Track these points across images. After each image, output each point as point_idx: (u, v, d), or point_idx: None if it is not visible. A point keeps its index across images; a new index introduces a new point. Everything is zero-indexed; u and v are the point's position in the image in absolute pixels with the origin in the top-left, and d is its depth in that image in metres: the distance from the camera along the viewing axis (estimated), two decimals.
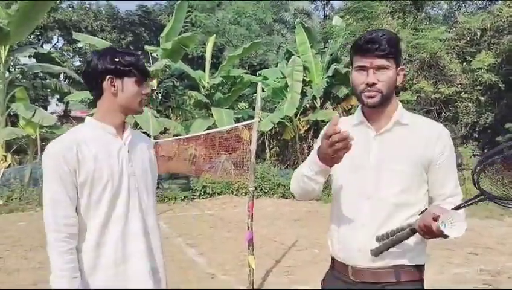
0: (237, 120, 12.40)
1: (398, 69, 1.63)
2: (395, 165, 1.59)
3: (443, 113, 11.52)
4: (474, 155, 11.02)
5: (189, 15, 18.51)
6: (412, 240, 1.54)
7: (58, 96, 18.83)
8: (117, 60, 1.68)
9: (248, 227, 3.98)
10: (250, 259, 3.88)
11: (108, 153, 1.68)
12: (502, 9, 10.28)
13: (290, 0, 23.52)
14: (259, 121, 4.27)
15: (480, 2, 14.60)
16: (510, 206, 1.42)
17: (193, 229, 7.61)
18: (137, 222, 1.71)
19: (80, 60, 23.36)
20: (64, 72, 14.01)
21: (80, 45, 21.48)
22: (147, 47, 14.26)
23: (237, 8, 20.84)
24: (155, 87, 13.15)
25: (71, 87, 13.82)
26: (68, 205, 1.61)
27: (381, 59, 1.56)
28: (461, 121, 11.40)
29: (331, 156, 1.41)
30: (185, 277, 4.85)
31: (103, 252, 1.65)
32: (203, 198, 10.96)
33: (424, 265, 1.66)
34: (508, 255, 5.80)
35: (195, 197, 10.93)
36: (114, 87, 1.68)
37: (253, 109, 4.15)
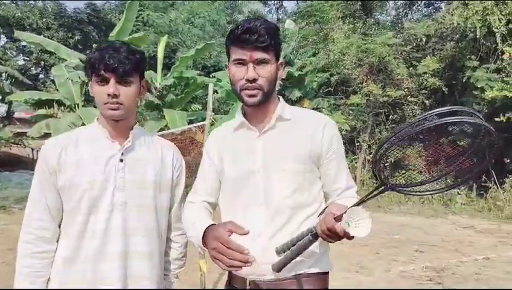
0: (191, 122, 12.25)
1: (278, 63, 1.51)
2: (284, 165, 1.48)
3: (391, 116, 11.91)
4: (420, 156, 11.47)
5: (141, 14, 18.10)
6: (312, 246, 1.39)
7: (0, 97, 17.86)
8: (89, 57, 1.51)
9: None
10: (202, 263, 3.82)
11: (96, 158, 1.50)
12: (445, 17, 10.76)
13: (244, 0, 23.57)
14: (212, 123, 4.21)
15: (425, 9, 15.28)
16: (413, 193, 1.32)
17: None
18: (117, 243, 1.49)
19: (24, 59, 22.28)
20: (6, 72, 13.31)
21: (23, 43, 20.50)
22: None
23: (191, 8, 20.63)
24: None
25: (14, 87, 13.16)
26: (43, 207, 1.49)
27: (261, 52, 1.43)
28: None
29: (215, 258, 1.30)
30: None
31: (73, 268, 1.48)
32: None
33: (328, 273, 1.55)
34: (452, 252, 6.07)
35: None
36: (91, 89, 1.53)
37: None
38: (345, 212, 1.25)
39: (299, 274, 1.47)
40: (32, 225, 1.49)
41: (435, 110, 1.20)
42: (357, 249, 5.51)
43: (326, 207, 1.46)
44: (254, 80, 1.44)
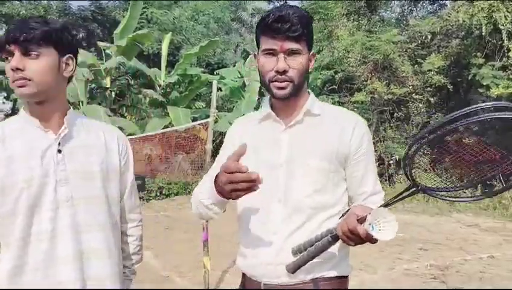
0: (194, 119, 12.27)
1: (310, 54, 1.43)
2: (309, 161, 1.39)
3: (395, 113, 11.86)
4: (425, 154, 11.43)
5: (145, 11, 18.09)
6: (332, 248, 1.32)
7: (5, 94, 17.96)
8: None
9: (203, 228, 3.91)
10: (206, 260, 3.83)
11: (30, 152, 1.30)
12: (451, 14, 10.70)
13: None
14: (215, 121, 4.22)
15: (430, 6, 15.18)
16: (447, 198, 1.22)
17: (148, 231, 7.41)
18: (67, 244, 1.31)
19: None
20: None
21: None
22: (100, 43, 13.84)
23: (195, 5, 20.62)
24: (108, 85, 12.77)
25: None
26: None
27: (292, 42, 1.34)
28: (412, 121, 11.78)
29: (228, 192, 1.21)
30: (137, 280, 4.71)
31: (21, 280, 1.29)
32: (158, 199, 10.74)
33: (347, 277, 1.47)
34: (456, 250, 6.04)
35: (150, 198, 10.69)
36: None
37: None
38: (369, 214, 1.18)
39: (317, 278, 1.38)
40: None
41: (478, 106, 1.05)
42: (360, 247, 5.45)
43: (349, 209, 1.38)
44: (284, 72, 1.36)
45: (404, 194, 1.21)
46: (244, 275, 1.51)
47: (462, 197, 1.20)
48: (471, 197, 1.20)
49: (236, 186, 1.18)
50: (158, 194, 10.80)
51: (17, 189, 1.27)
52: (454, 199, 1.21)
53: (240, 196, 1.22)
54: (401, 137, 11.76)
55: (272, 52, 1.36)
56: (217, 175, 1.28)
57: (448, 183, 1.22)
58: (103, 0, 24.45)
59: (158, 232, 7.38)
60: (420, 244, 6.24)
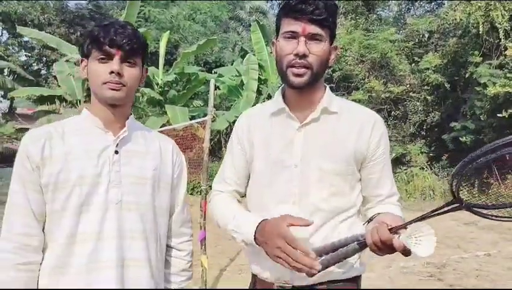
0: (192, 118, 12.23)
1: (332, 46, 1.34)
2: (325, 164, 1.31)
3: (393, 112, 11.89)
4: (422, 152, 11.46)
5: (143, 10, 18.07)
6: None
7: (2, 93, 17.90)
8: (90, 32, 1.32)
9: (201, 226, 3.91)
10: (203, 259, 3.82)
11: (87, 151, 1.30)
12: (448, 13, 10.72)
13: None
14: (213, 120, 4.21)
15: (428, 5, 15.19)
16: (493, 217, 1.12)
17: None
18: (111, 249, 1.28)
19: (26, 55, 22.31)
20: (8, 67, 13.32)
21: (25, 39, 20.51)
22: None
23: (192, 4, 20.59)
24: None
25: (16, 83, 13.17)
26: (27, 210, 1.26)
27: (316, 26, 1.26)
28: (410, 119, 11.81)
29: (273, 255, 1.20)
30: None
31: (63, 279, 1.26)
32: None
33: (360, 276, 1.43)
34: (453, 248, 6.07)
35: None
36: (85, 70, 1.36)
37: None
38: (403, 226, 1.12)
39: (331, 280, 1.34)
40: (15, 231, 1.25)
41: None
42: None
43: (374, 215, 1.33)
44: (304, 56, 1.27)
45: (444, 209, 1.13)
46: (254, 275, 1.45)
47: (509, 216, 1.11)
48: None
49: (287, 258, 1.16)
50: None
51: (70, 186, 1.26)
52: (501, 218, 1.12)
53: (278, 262, 1.20)
54: (399, 135, 11.79)
55: (293, 35, 1.28)
56: (263, 222, 1.26)
57: (498, 200, 1.14)
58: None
59: None
60: None
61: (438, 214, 1.13)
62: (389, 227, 1.14)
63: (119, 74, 1.29)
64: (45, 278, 1.27)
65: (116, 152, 1.33)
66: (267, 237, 1.22)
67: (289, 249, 1.16)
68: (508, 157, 0.99)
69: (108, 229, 1.28)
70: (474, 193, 1.14)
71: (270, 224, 1.23)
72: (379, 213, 1.33)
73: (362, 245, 1.20)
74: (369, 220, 1.31)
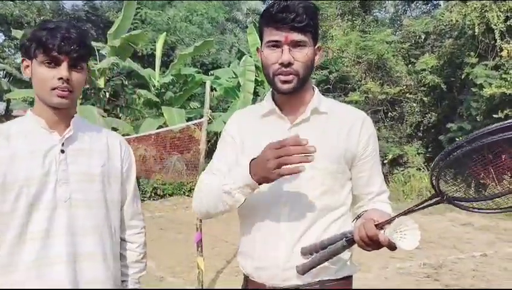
0: (189, 120, 12.23)
1: (316, 47, 1.36)
2: (316, 163, 1.27)
3: (390, 113, 11.92)
4: (418, 153, 11.48)
5: (139, 12, 18.08)
6: None
7: None
8: (29, 36, 1.32)
9: (197, 228, 3.91)
10: (199, 260, 3.83)
11: (33, 151, 1.31)
12: (444, 14, 10.76)
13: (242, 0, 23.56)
14: (210, 121, 4.21)
15: (424, 6, 15.25)
16: (475, 209, 1.13)
17: None
18: (61, 245, 1.30)
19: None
20: (4, 69, 13.28)
21: None
22: (93, 44, 13.76)
23: (189, 5, 20.60)
24: (102, 86, 12.72)
25: (12, 85, 13.13)
26: None
27: (298, 33, 1.27)
28: (406, 120, 11.84)
29: (270, 170, 1.15)
30: None
31: (11, 279, 1.28)
32: (153, 200, 10.75)
33: (352, 276, 1.44)
34: (449, 249, 6.08)
35: (145, 199, 10.69)
36: (27, 70, 1.35)
37: None
38: (388, 221, 1.14)
39: (323, 281, 1.34)
40: None
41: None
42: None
43: (362, 212, 1.35)
44: (289, 64, 1.29)
45: (427, 203, 1.15)
46: (246, 277, 1.45)
47: (490, 209, 1.13)
48: (503, 207, 1.10)
49: (286, 159, 1.13)
50: (153, 194, 10.79)
51: (18, 187, 1.28)
52: (483, 210, 1.13)
53: (281, 176, 1.16)
54: (395, 137, 11.81)
55: (276, 44, 1.30)
56: (252, 159, 1.23)
57: (477, 193, 1.18)
58: (97, 1, 24.38)
59: (152, 233, 7.36)
60: None
61: (421, 208, 1.15)
62: (376, 223, 1.16)
63: (67, 80, 1.30)
64: None
65: (62, 151, 1.35)
66: (258, 163, 1.20)
67: (277, 151, 1.14)
68: (486, 149, 0.99)
69: (57, 227, 1.30)
70: (456, 185, 1.12)
71: (258, 156, 1.22)
72: (366, 210, 1.35)
73: (350, 241, 1.21)
74: (357, 217, 1.33)
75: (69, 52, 1.30)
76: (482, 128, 1.00)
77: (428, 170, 11.10)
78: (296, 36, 1.28)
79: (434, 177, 1.09)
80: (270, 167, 1.15)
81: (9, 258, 1.28)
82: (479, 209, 1.12)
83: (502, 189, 1.11)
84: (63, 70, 1.30)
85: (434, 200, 1.14)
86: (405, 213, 1.15)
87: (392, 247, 1.14)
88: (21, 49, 1.36)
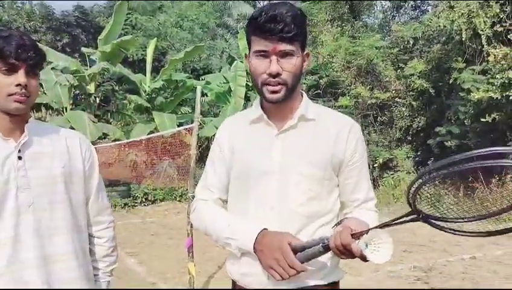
0: (180, 125, 12.21)
1: (304, 54, 1.35)
2: (302, 169, 1.34)
3: (379, 118, 12.01)
4: (408, 157, 11.57)
5: (130, 17, 18.05)
6: (324, 257, 1.30)
7: None
8: None
9: (188, 233, 3.91)
10: (190, 266, 3.83)
11: None
12: (432, 20, 10.88)
13: (234, 1, 23.59)
14: (201, 126, 4.23)
15: (412, 12, 15.43)
16: (449, 230, 1.15)
17: (133, 238, 7.38)
18: (30, 249, 1.32)
19: None
20: None
21: None
22: (83, 49, 13.72)
23: (179, 11, 20.61)
24: (93, 91, 12.66)
25: None
26: None
27: (286, 43, 1.27)
28: (396, 125, 11.93)
29: (267, 265, 1.26)
30: (122, 286, 4.69)
31: None
32: (144, 205, 10.68)
33: (338, 282, 1.44)
34: (439, 252, 6.13)
35: (136, 204, 10.62)
36: None
37: None
38: (364, 232, 1.15)
39: (308, 286, 1.35)
40: None
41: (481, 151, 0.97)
42: None
43: (343, 218, 1.35)
44: (277, 75, 1.28)
45: (403, 219, 1.16)
46: (234, 282, 1.46)
47: (466, 231, 1.14)
48: (478, 232, 1.13)
49: (279, 270, 1.23)
50: (144, 200, 10.73)
51: None
52: (458, 232, 1.14)
53: (269, 272, 1.27)
54: (385, 141, 11.90)
55: (264, 54, 1.29)
56: (264, 231, 1.30)
57: (454, 214, 1.16)
58: (87, 6, 24.28)
59: (143, 239, 7.34)
60: (404, 247, 6.32)
61: (397, 224, 1.16)
62: (352, 232, 1.17)
63: (25, 86, 1.33)
64: None
65: (20, 158, 1.35)
66: (266, 247, 1.26)
67: (285, 264, 1.22)
68: (464, 173, 1.03)
69: (24, 232, 1.32)
70: (433, 204, 1.16)
71: (271, 235, 1.28)
72: (347, 217, 1.36)
73: (326, 247, 1.22)
74: (338, 223, 1.33)
75: (26, 59, 1.33)
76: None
77: (417, 174, 11.20)
78: (284, 46, 1.27)
79: (411, 195, 1.09)
80: (270, 264, 1.25)
81: None
82: (454, 230, 1.14)
83: (476, 213, 1.13)
84: (20, 76, 1.32)
85: (410, 217, 1.15)
86: (381, 226, 1.16)
87: (363, 258, 1.16)
88: None
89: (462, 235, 1.14)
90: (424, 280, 4.93)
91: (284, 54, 1.29)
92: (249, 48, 1.37)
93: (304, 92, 1.47)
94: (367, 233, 1.15)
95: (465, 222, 1.14)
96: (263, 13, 1.27)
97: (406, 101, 11.64)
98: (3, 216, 1.31)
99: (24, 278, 1.31)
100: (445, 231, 1.16)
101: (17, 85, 1.31)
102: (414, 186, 1.08)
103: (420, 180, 1.06)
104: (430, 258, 5.75)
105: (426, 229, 7.03)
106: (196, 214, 1.52)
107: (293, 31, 1.26)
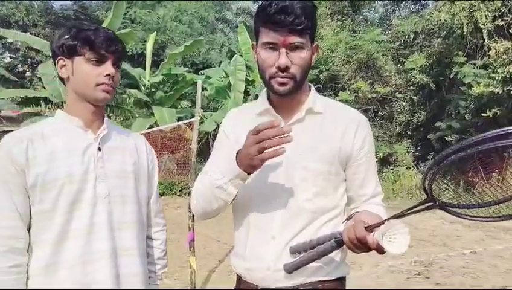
0: (180, 119, 12.19)
1: (313, 46, 1.32)
2: (309, 163, 1.31)
3: (379, 112, 11.99)
4: (408, 152, 11.57)
5: (129, 11, 17.97)
6: (333, 253, 1.26)
7: None
8: (67, 36, 1.35)
9: (189, 228, 3.90)
10: (192, 260, 3.82)
11: (71, 150, 1.34)
12: (433, 14, 10.83)
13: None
14: (201, 121, 4.21)
15: (413, 6, 15.36)
16: (466, 216, 1.10)
17: None
18: (104, 240, 1.34)
19: (10, 56, 21.98)
20: None
21: (10, 40, 20.21)
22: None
23: (178, 5, 20.52)
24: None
25: (0, 85, 12.98)
26: (13, 213, 1.27)
27: (296, 36, 1.23)
28: (396, 119, 11.92)
29: (252, 156, 1.16)
30: None
31: (56, 277, 1.28)
32: None
33: (345, 277, 1.41)
34: (440, 247, 6.14)
35: None
36: (63, 70, 1.38)
37: None
38: (379, 224, 1.12)
39: (315, 282, 1.32)
40: (2, 234, 1.27)
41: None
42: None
43: (353, 213, 1.33)
44: (287, 68, 1.25)
45: (419, 208, 1.13)
46: (239, 277, 1.43)
47: (484, 217, 1.09)
48: (496, 216, 1.08)
49: (264, 144, 1.12)
50: None
51: (58, 185, 1.30)
52: (475, 218, 1.09)
53: (263, 160, 1.16)
54: (385, 135, 11.89)
55: (273, 46, 1.25)
56: (238, 150, 1.22)
57: (471, 200, 1.10)
58: (86, 0, 24.17)
59: None
60: None
61: (413, 213, 1.13)
62: (366, 225, 1.14)
63: (112, 77, 1.37)
64: (37, 276, 1.29)
65: (99, 149, 1.39)
66: (242, 152, 1.20)
67: (256, 137, 1.14)
68: (481, 156, 0.97)
69: (99, 223, 1.34)
70: (449, 191, 1.12)
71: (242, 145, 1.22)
72: (358, 211, 1.33)
73: (339, 242, 1.19)
74: (348, 218, 1.31)
75: (114, 51, 1.38)
76: (470, 127, 0.97)
77: (417, 169, 11.20)
78: (294, 39, 1.23)
79: (427, 182, 1.06)
80: (251, 152, 1.15)
81: (53, 257, 1.29)
82: (471, 216, 1.11)
83: (495, 197, 1.08)
84: (109, 67, 1.36)
85: (426, 205, 1.12)
86: (396, 217, 1.13)
87: (380, 250, 1.12)
88: (59, 49, 1.37)
89: (482, 221, 1.11)
90: (425, 274, 4.93)
91: (294, 47, 1.25)
92: (257, 39, 1.32)
93: (311, 85, 1.43)
94: (381, 225, 1.12)
95: (482, 207, 1.10)
96: (273, 4, 1.22)
97: (406, 96, 11.62)
98: (80, 206, 1.32)
99: (95, 270, 1.32)
100: (464, 218, 1.12)
101: (106, 75, 1.35)
102: (430, 172, 1.04)
103: (436, 166, 1.02)
104: (431, 253, 5.75)
105: (427, 223, 7.05)
106: (192, 196, 1.45)
107: (304, 23, 1.22)
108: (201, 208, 1.40)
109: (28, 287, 1.30)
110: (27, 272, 1.31)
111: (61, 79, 1.41)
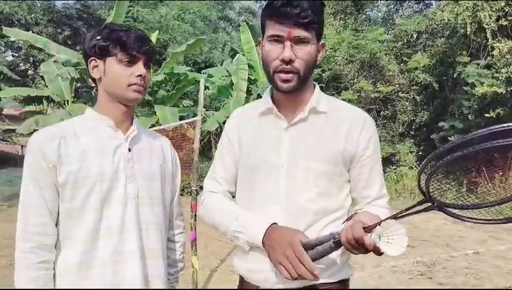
0: (182, 118, 12.17)
1: (320, 44, 1.31)
2: (311, 164, 1.29)
3: (382, 112, 11.95)
4: (411, 152, 11.54)
5: (131, 10, 17.94)
6: (333, 255, 1.25)
7: None
8: (98, 37, 1.36)
9: (191, 227, 3.89)
10: (194, 260, 3.80)
11: (102, 149, 1.35)
12: (436, 13, 10.80)
13: None
14: (203, 120, 4.19)
15: (416, 5, 15.31)
16: (466, 218, 1.07)
17: None
18: (133, 241, 1.35)
19: (12, 55, 22.02)
20: None
21: (12, 38, 20.25)
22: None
23: (181, 4, 20.50)
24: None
25: (2, 83, 13.00)
26: (43, 210, 1.29)
27: (301, 29, 1.22)
28: (399, 119, 11.89)
29: (277, 257, 1.19)
30: None
31: (88, 275, 1.29)
32: None
33: (348, 279, 1.39)
34: (442, 247, 6.12)
35: None
36: (95, 70, 1.39)
37: None
38: (377, 224, 1.09)
39: (318, 284, 1.31)
40: (31, 230, 1.28)
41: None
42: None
43: (353, 214, 1.31)
44: (290, 61, 1.24)
45: (417, 208, 1.10)
46: (241, 277, 1.43)
47: (483, 219, 1.06)
48: (497, 219, 1.04)
49: (289, 267, 1.16)
50: None
51: (90, 183, 1.31)
52: (475, 220, 1.06)
53: (278, 268, 1.20)
54: (388, 135, 11.86)
55: (278, 39, 1.25)
56: (273, 225, 1.25)
57: (471, 201, 1.07)
58: None
59: None
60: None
61: (411, 214, 1.11)
62: (364, 225, 1.12)
63: (144, 77, 1.38)
64: (70, 274, 1.30)
65: (129, 149, 1.41)
66: (275, 243, 1.21)
67: (296, 261, 1.16)
68: (479, 155, 0.93)
69: (129, 222, 1.35)
70: (447, 191, 1.09)
71: (281, 231, 1.23)
72: (357, 212, 1.32)
73: (337, 243, 1.17)
74: (348, 219, 1.29)
75: (146, 52, 1.38)
76: (474, 127, 0.92)
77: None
78: (300, 32, 1.23)
79: (423, 183, 1.02)
80: (280, 261, 1.18)
81: (86, 255, 1.30)
82: (470, 218, 1.07)
83: (496, 198, 1.04)
84: (140, 67, 1.37)
85: (424, 206, 1.08)
86: (394, 217, 1.10)
87: (377, 251, 1.10)
88: (91, 49, 1.38)
89: (481, 223, 1.07)
90: (428, 274, 4.91)
91: (299, 41, 1.24)
92: (263, 34, 1.32)
93: (316, 84, 1.41)
94: (379, 225, 1.10)
95: (482, 208, 1.07)
96: None
97: (409, 96, 11.59)
98: (110, 205, 1.33)
99: (126, 269, 1.33)
100: (462, 220, 1.08)
101: (138, 76, 1.36)
102: (427, 171, 1.00)
103: (432, 164, 0.98)
104: (433, 253, 5.74)
105: (429, 223, 7.04)
106: (204, 206, 1.48)
107: (310, 16, 1.22)
108: (212, 224, 1.44)
109: (59, 286, 1.30)
110: (54, 269, 1.32)
111: (93, 79, 1.42)
